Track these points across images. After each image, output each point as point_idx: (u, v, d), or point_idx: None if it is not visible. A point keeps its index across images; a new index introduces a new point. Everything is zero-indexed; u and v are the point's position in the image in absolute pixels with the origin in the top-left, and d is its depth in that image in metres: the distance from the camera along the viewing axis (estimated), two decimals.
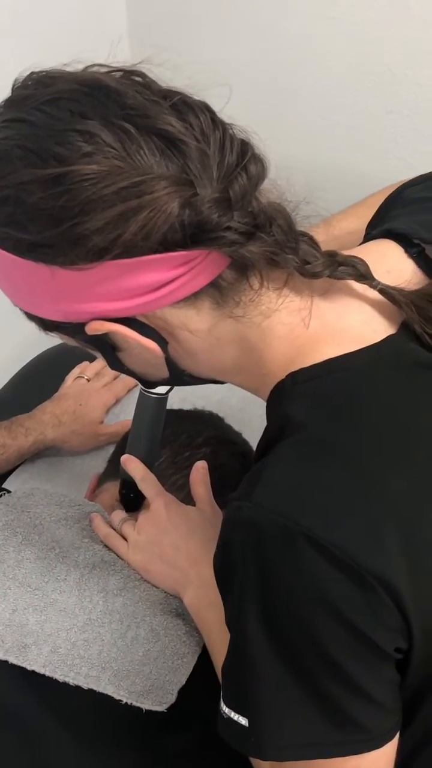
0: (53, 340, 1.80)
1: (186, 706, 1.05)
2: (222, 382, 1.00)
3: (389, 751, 0.84)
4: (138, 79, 0.86)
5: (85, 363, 1.73)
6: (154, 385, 1.04)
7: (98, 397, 1.62)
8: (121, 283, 0.83)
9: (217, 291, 0.86)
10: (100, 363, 1.71)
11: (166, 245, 0.82)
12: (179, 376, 0.97)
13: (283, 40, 1.78)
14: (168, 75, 0.88)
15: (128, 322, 0.88)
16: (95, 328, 0.88)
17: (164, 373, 0.97)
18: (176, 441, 1.35)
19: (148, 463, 1.30)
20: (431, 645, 0.81)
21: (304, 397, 0.86)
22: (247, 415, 1.56)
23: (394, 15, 1.63)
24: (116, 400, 1.67)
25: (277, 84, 1.83)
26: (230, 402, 1.65)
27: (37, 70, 0.87)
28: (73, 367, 1.72)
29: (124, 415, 1.63)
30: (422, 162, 1.15)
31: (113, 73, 0.86)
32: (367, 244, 1.01)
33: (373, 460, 0.81)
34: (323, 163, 1.81)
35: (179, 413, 1.46)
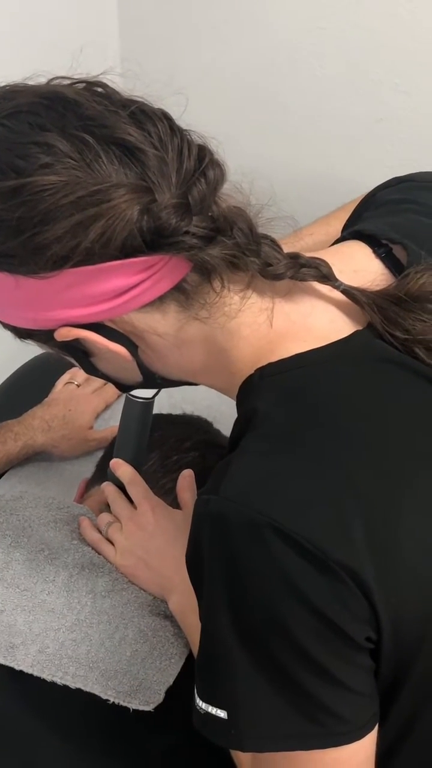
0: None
1: (174, 706, 1.05)
2: (195, 384, 1.01)
3: (369, 742, 0.84)
4: (99, 89, 0.87)
5: (75, 369, 1.73)
6: (130, 388, 1.06)
7: (88, 403, 1.63)
8: (84, 290, 0.85)
9: (181, 294, 0.88)
10: None
11: (126, 252, 0.83)
12: (152, 379, 0.99)
13: (273, 48, 1.78)
14: (142, 83, 0.90)
15: (96, 327, 0.90)
16: (63, 334, 0.89)
17: (138, 376, 0.98)
18: (165, 445, 1.36)
19: (135, 467, 1.30)
20: (400, 635, 0.81)
21: (271, 391, 0.87)
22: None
23: (384, 24, 1.63)
24: (106, 405, 1.68)
25: (266, 92, 1.84)
26: (219, 408, 1.65)
27: (1, 84, 0.89)
28: (63, 373, 1.73)
29: (114, 421, 1.64)
30: (411, 170, 1.16)
31: (76, 85, 0.88)
32: (336, 245, 1.02)
33: (338, 452, 0.82)
34: (312, 171, 1.82)
35: (168, 417, 1.47)
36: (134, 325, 0.90)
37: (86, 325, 0.89)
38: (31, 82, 0.89)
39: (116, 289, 0.85)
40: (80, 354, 0.96)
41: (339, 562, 0.77)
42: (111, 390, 1.69)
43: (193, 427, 1.45)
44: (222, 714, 0.84)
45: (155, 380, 0.99)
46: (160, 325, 0.90)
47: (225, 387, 0.96)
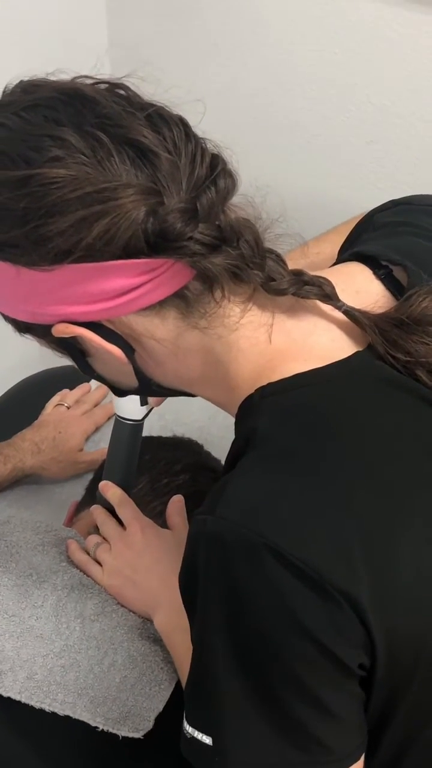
0: (33, 367, 1.82)
1: (163, 733, 1.04)
2: (192, 395, 1.00)
3: None
4: (120, 91, 0.88)
5: (65, 390, 1.72)
6: (126, 393, 1.05)
7: (78, 425, 1.62)
8: (85, 287, 0.85)
9: (182, 302, 0.87)
10: (80, 391, 1.72)
11: (128, 252, 0.83)
12: (148, 386, 0.98)
13: (264, 70, 1.79)
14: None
15: (94, 327, 0.89)
16: (61, 330, 0.89)
17: (133, 381, 0.98)
18: (155, 468, 1.35)
19: (125, 490, 1.29)
20: (394, 663, 0.80)
21: (272, 411, 0.86)
22: (227, 443, 1.54)
23: (375, 47, 1.64)
24: (96, 427, 1.67)
25: (257, 113, 1.85)
26: (210, 430, 1.65)
27: (27, 78, 0.89)
28: (53, 395, 1.72)
29: (104, 443, 1.62)
30: (402, 192, 1.16)
31: (98, 85, 0.88)
32: (336, 266, 1.02)
33: (338, 474, 0.81)
34: (303, 192, 1.82)
35: (158, 440, 1.46)
36: (132, 328, 0.89)
37: (84, 323, 0.89)
38: (53, 78, 0.90)
39: (116, 289, 0.85)
40: (77, 353, 0.96)
41: (336, 587, 0.76)
42: (101, 412, 1.68)
43: (183, 449, 1.44)
44: (207, 740, 0.82)
45: (151, 387, 0.98)
46: (159, 331, 0.89)
47: (223, 401, 0.95)
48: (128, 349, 0.92)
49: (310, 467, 0.81)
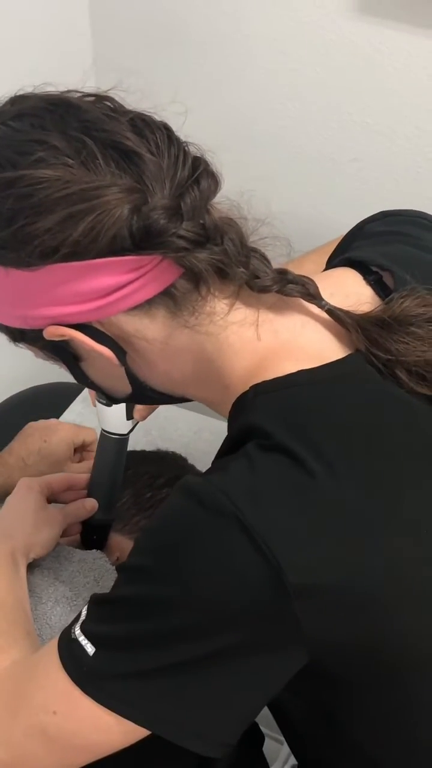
0: (24, 383, 1.82)
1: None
2: (186, 400, 1.01)
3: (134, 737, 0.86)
4: (107, 103, 0.90)
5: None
6: (120, 400, 1.06)
7: (65, 430, 1.60)
8: (73, 286, 0.86)
9: (171, 300, 0.88)
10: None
11: (114, 249, 0.84)
12: (142, 391, 0.99)
13: (246, 88, 1.80)
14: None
15: (85, 329, 0.90)
16: (52, 332, 0.90)
17: (127, 387, 0.99)
18: (138, 482, 1.36)
19: (110, 504, 1.30)
20: (347, 660, 0.83)
21: (267, 409, 0.86)
22: (211, 458, 1.56)
23: (357, 64, 1.66)
24: (84, 441, 1.66)
25: (239, 132, 1.86)
26: (196, 445, 1.66)
27: (20, 92, 0.92)
28: (45, 411, 1.71)
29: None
30: (384, 209, 1.17)
31: (85, 97, 0.90)
32: (328, 271, 1.03)
33: (329, 474, 0.81)
34: (286, 210, 1.83)
35: (141, 454, 1.47)
36: (123, 329, 0.90)
37: (75, 325, 0.90)
38: (41, 90, 0.92)
39: (105, 288, 0.86)
40: (70, 358, 0.97)
41: (292, 582, 0.77)
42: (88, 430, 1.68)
43: (167, 463, 1.45)
44: (90, 650, 0.83)
45: (145, 392, 0.99)
46: (149, 331, 0.90)
47: (216, 400, 0.96)
48: (119, 352, 0.93)
49: (304, 468, 0.81)
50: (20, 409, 1.78)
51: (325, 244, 1.29)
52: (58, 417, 1.69)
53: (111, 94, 0.91)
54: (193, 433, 1.68)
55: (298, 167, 1.84)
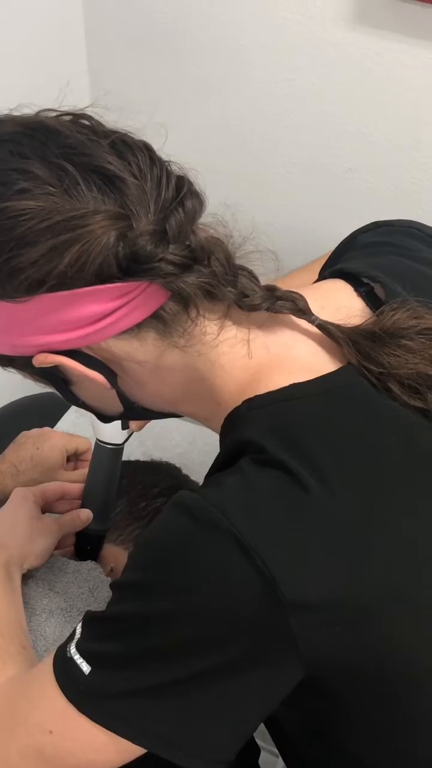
0: (18, 392, 1.81)
1: None
2: (177, 415, 1.01)
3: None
4: (84, 121, 0.89)
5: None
6: (112, 418, 1.05)
7: (57, 437, 1.60)
8: (61, 315, 0.85)
9: (160, 323, 0.88)
10: None
11: (101, 277, 0.84)
12: (133, 409, 0.99)
13: (241, 99, 1.80)
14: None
15: (74, 354, 0.90)
16: (41, 360, 0.90)
17: (118, 406, 0.98)
18: (133, 491, 1.36)
19: (105, 514, 1.30)
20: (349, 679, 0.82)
21: (260, 423, 0.86)
22: (206, 468, 1.55)
23: (352, 74, 1.66)
24: (77, 448, 1.65)
25: (234, 143, 1.86)
26: (191, 455, 1.66)
27: None
28: (39, 420, 1.71)
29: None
30: (379, 219, 1.17)
31: (62, 117, 0.89)
32: (319, 282, 1.03)
33: (324, 488, 0.81)
34: (281, 221, 1.83)
35: (136, 464, 1.47)
36: (113, 353, 0.90)
37: (64, 351, 0.89)
38: (17, 113, 0.91)
39: (92, 315, 0.85)
40: (60, 382, 0.96)
41: (288, 597, 0.76)
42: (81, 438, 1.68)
43: (161, 473, 1.44)
44: (85, 668, 0.83)
45: (136, 410, 0.99)
46: (139, 353, 0.90)
47: (207, 416, 0.96)
48: (110, 375, 0.93)
49: (298, 481, 0.81)
50: (14, 419, 1.77)
51: (314, 261, 1.29)
52: (52, 426, 1.69)
53: (89, 111, 0.90)
54: (188, 444, 1.68)
55: (293, 178, 1.84)
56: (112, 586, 0.87)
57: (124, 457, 1.28)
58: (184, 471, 1.50)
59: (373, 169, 1.74)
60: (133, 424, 1.19)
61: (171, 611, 0.79)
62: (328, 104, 1.71)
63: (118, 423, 1.19)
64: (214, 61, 1.80)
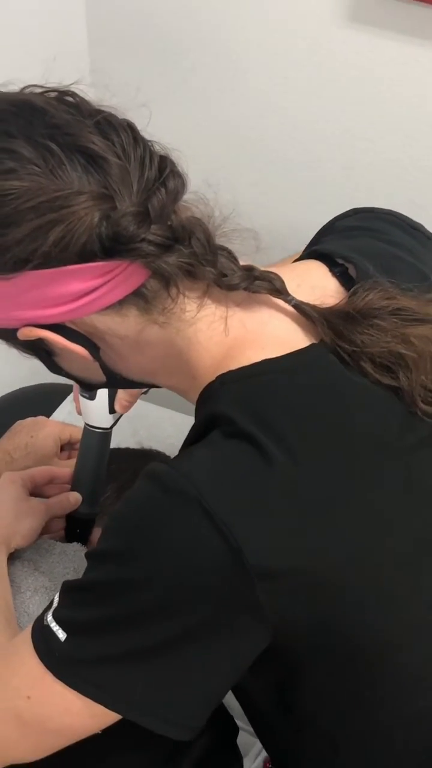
0: (14, 384, 1.83)
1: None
2: (157, 386, 1.03)
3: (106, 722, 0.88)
4: (69, 99, 0.90)
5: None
6: (95, 387, 1.09)
7: (52, 425, 1.61)
8: (45, 292, 0.88)
9: (141, 300, 0.90)
10: None
11: (84, 256, 0.86)
12: (114, 379, 1.01)
13: (237, 97, 1.82)
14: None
15: (57, 328, 0.92)
16: (25, 334, 0.92)
17: (100, 376, 1.01)
18: (122, 477, 1.37)
19: (94, 498, 1.31)
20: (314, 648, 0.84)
21: (232, 397, 0.88)
22: None
23: (348, 73, 1.67)
24: (71, 436, 1.67)
25: (231, 140, 1.88)
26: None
27: None
28: (35, 411, 1.72)
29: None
30: None
31: (47, 94, 0.90)
32: (295, 263, 1.05)
33: (289, 459, 0.83)
34: (278, 219, 1.84)
35: (126, 451, 1.48)
36: (95, 327, 0.92)
37: (48, 325, 0.92)
38: (4, 89, 0.92)
39: (75, 293, 0.87)
40: (43, 353, 0.99)
41: (253, 564, 0.78)
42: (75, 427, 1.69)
43: (151, 460, 1.44)
44: (61, 635, 0.85)
45: (117, 380, 1.01)
46: (121, 328, 0.92)
47: (186, 389, 0.98)
48: (93, 348, 0.95)
49: (267, 453, 0.83)
50: (10, 410, 1.79)
51: (291, 256, 1.30)
52: (48, 417, 1.70)
53: (73, 88, 0.92)
54: (180, 435, 1.68)
55: (289, 175, 1.86)
56: (87, 555, 0.89)
57: (118, 446, 1.29)
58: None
59: (368, 166, 1.76)
60: (119, 406, 1.21)
61: (140, 578, 0.81)
62: (324, 102, 1.73)
63: (105, 407, 1.21)
64: (209, 60, 1.81)
